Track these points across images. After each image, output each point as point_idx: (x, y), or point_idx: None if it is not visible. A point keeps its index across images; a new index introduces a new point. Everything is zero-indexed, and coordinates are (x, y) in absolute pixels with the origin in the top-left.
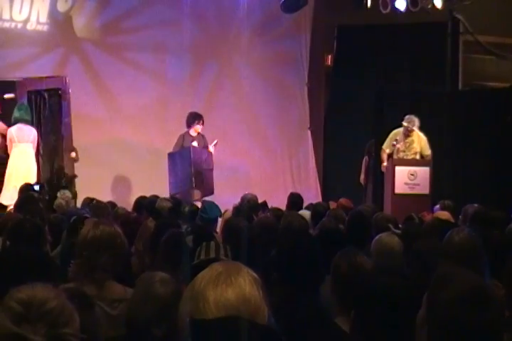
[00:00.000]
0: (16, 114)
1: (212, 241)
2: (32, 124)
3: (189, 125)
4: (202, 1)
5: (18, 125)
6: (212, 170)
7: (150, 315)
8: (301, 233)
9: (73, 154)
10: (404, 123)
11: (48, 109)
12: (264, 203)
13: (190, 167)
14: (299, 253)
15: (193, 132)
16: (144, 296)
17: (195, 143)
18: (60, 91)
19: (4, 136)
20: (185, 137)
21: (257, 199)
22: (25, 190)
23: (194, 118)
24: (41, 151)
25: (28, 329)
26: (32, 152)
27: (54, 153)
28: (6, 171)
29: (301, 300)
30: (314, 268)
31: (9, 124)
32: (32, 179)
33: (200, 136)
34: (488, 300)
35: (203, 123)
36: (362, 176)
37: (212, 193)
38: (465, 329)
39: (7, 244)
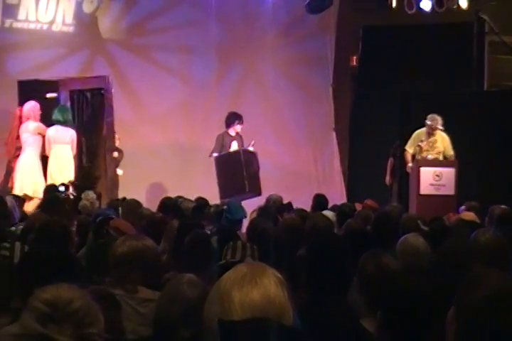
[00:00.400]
0: (54, 115)
1: (238, 242)
2: (73, 124)
3: (229, 125)
4: (227, 1)
5: (55, 126)
6: (258, 170)
7: (177, 316)
8: (328, 234)
9: (115, 154)
10: (428, 122)
11: (91, 109)
12: (289, 204)
13: (242, 170)
14: (327, 254)
15: (232, 132)
16: (172, 297)
17: (234, 144)
18: (102, 91)
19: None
20: (224, 137)
21: (282, 200)
22: (50, 190)
23: (234, 117)
24: (84, 150)
25: (54, 329)
26: (68, 153)
27: (96, 152)
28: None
29: (328, 301)
30: (342, 269)
31: (50, 124)
32: (67, 179)
33: (239, 136)
34: None
35: (242, 123)
36: (387, 177)
37: (260, 195)
38: (494, 329)
39: (34, 244)
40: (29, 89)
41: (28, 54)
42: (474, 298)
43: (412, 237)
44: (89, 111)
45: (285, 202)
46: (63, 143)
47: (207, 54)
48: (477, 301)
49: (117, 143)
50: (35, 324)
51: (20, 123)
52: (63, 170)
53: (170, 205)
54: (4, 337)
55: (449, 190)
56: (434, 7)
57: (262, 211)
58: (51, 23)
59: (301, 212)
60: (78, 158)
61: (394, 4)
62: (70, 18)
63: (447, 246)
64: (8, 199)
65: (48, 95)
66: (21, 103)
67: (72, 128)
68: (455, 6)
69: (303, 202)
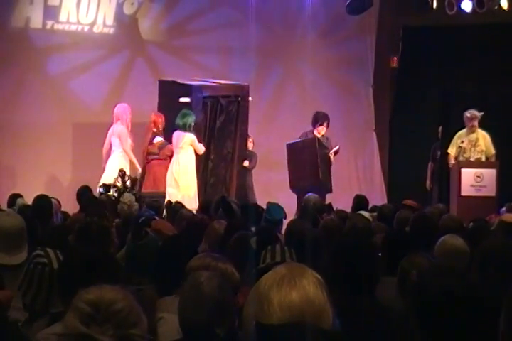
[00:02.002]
0: (176, 120)
1: (277, 245)
2: (205, 130)
3: (313, 125)
4: (267, 2)
5: (176, 131)
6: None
7: (205, 316)
8: (357, 234)
9: (246, 163)
10: (467, 114)
11: (225, 116)
12: (329, 205)
13: (317, 158)
14: (354, 254)
15: (316, 133)
16: (195, 299)
17: None
18: (239, 99)
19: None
20: (308, 135)
21: (321, 200)
22: (82, 192)
23: (317, 119)
24: (211, 156)
25: (97, 329)
26: (180, 157)
27: (226, 159)
28: None
29: (354, 301)
30: (369, 269)
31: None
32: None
33: (325, 138)
34: None
35: (326, 126)
36: (427, 182)
37: (330, 191)
38: None
39: (74, 244)
40: (167, 91)
41: (69, 55)
42: None
43: (451, 238)
44: (222, 118)
45: (326, 203)
46: (178, 147)
47: (246, 55)
48: None
49: (251, 147)
50: (78, 324)
51: (153, 127)
52: (180, 174)
53: (214, 205)
54: (48, 336)
55: (490, 191)
56: (474, 8)
57: (301, 212)
58: (92, 24)
59: (341, 213)
60: (204, 162)
61: (434, 5)
62: (110, 20)
63: (490, 247)
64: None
65: (182, 99)
66: (160, 104)
67: (190, 132)
68: (496, 7)
69: (343, 203)
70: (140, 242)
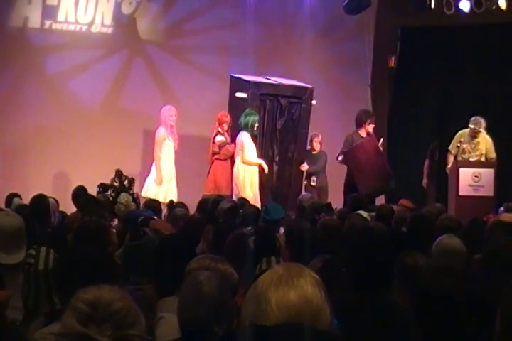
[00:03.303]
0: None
1: (273, 257)
2: (263, 129)
3: (359, 125)
4: (265, 2)
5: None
6: None
7: (204, 316)
8: (366, 233)
9: (305, 166)
10: (471, 126)
11: (287, 118)
12: (329, 205)
13: (380, 156)
14: (366, 252)
15: (363, 132)
16: (194, 298)
17: None
18: (301, 101)
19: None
20: (354, 138)
21: (318, 200)
22: (78, 193)
23: (365, 116)
24: (276, 159)
25: (94, 329)
26: (238, 158)
27: (291, 163)
28: None
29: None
30: (381, 267)
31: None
32: (242, 186)
33: (371, 137)
34: None
35: (373, 123)
36: (425, 180)
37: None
38: None
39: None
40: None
41: (67, 55)
42: None
43: (448, 238)
44: (284, 120)
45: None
46: (237, 148)
47: (245, 55)
48: None
49: (318, 148)
50: (76, 324)
51: (218, 126)
52: (240, 175)
53: (208, 205)
54: (45, 336)
55: (488, 191)
56: (472, 8)
57: (298, 212)
58: (90, 24)
59: (341, 213)
60: (269, 164)
61: (433, 5)
62: (108, 20)
63: (491, 246)
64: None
65: (238, 94)
66: (230, 99)
67: (248, 132)
68: (494, 7)
69: (341, 203)
70: (138, 242)
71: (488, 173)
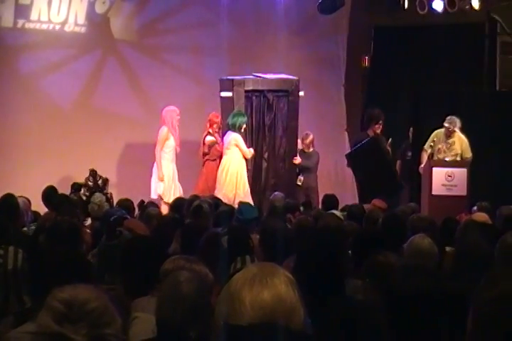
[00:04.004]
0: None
1: (247, 255)
2: (252, 127)
3: (366, 127)
4: (239, 1)
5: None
6: None
7: (182, 317)
8: (321, 233)
9: (297, 159)
10: (446, 124)
11: (275, 112)
12: (308, 203)
13: (385, 157)
14: (318, 253)
15: (371, 133)
16: (173, 298)
17: None
18: (288, 94)
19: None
20: (362, 138)
21: (288, 199)
22: (49, 192)
23: (371, 119)
24: (265, 155)
25: (70, 328)
26: (226, 158)
27: (285, 160)
28: None
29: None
30: (335, 268)
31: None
32: (231, 185)
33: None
34: None
35: (380, 124)
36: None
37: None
38: (504, 330)
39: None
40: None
41: (41, 54)
42: (487, 298)
43: (419, 238)
44: (272, 115)
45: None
46: (225, 148)
47: (219, 54)
48: (493, 300)
49: (310, 147)
50: (52, 322)
51: (209, 127)
52: (226, 175)
53: (183, 205)
54: (20, 335)
55: (461, 190)
56: (446, 7)
57: (269, 211)
58: (63, 23)
59: (316, 212)
60: (257, 161)
61: (406, 5)
62: (82, 19)
63: (463, 246)
64: (20, 200)
65: (222, 94)
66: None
67: (237, 133)
68: (467, 7)
69: (315, 202)
70: (113, 242)
71: (461, 173)
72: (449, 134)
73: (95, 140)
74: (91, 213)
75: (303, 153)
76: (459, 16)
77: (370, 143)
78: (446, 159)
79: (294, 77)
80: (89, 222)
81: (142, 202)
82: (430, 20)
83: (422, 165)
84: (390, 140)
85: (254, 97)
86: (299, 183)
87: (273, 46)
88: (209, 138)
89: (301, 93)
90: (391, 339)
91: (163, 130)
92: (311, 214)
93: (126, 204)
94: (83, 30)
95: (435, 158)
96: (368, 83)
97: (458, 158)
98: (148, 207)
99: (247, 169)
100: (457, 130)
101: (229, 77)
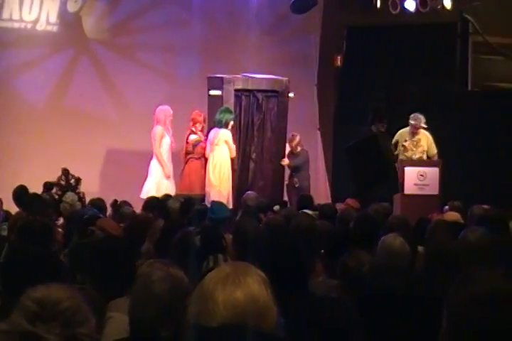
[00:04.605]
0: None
1: (220, 254)
2: (240, 126)
3: (371, 123)
4: (212, 1)
5: (214, 128)
6: None
7: (154, 317)
8: (281, 232)
9: (285, 161)
10: (411, 122)
11: (265, 113)
12: (285, 203)
13: (382, 154)
14: (279, 252)
15: (375, 129)
16: (145, 298)
17: None
18: (277, 94)
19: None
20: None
21: (262, 199)
22: (20, 192)
23: (375, 116)
24: (253, 155)
25: (42, 328)
26: (214, 154)
27: (272, 161)
28: None
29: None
30: (295, 266)
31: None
32: (219, 183)
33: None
34: (507, 301)
35: (381, 121)
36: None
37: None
38: (482, 329)
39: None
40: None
41: (12, 53)
42: (464, 298)
43: (390, 237)
44: (262, 116)
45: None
46: (213, 144)
47: (191, 53)
48: (467, 300)
49: (298, 148)
50: (24, 321)
51: (192, 125)
52: (214, 173)
53: (155, 205)
54: None
55: (433, 189)
56: (418, 7)
57: (243, 211)
58: (35, 22)
59: (287, 211)
60: (245, 160)
61: (378, 4)
62: (54, 18)
63: (434, 245)
64: None
65: (212, 92)
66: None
67: (227, 129)
68: (439, 6)
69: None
70: (84, 241)
71: (433, 172)
72: (415, 131)
73: (68, 139)
74: (63, 212)
75: (291, 154)
76: (431, 16)
77: (368, 139)
78: (414, 157)
79: (285, 78)
80: (61, 221)
81: (115, 201)
82: (402, 20)
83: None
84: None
85: (243, 97)
86: (296, 185)
87: (246, 45)
88: (193, 137)
89: (291, 94)
90: (363, 337)
91: (158, 129)
92: (281, 214)
93: (98, 203)
94: (55, 29)
95: (402, 156)
96: (341, 82)
97: (424, 155)
98: (122, 207)
99: (234, 169)
100: (423, 125)
101: (218, 75)
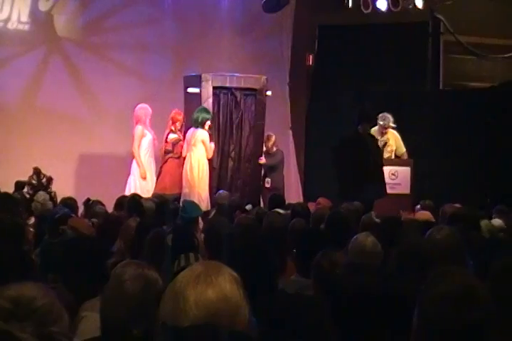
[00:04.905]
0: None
1: (191, 253)
2: (219, 124)
3: (358, 123)
4: (184, 0)
5: (191, 128)
6: None
7: (127, 316)
8: (250, 231)
9: (262, 159)
10: (380, 122)
11: (243, 111)
12: (257, 202)
13: (368, 155)
14: (247, 252)
15: (361, 130)
16: (117, 297)
17: None
18: (255, 92)
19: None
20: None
21: (234, 198)
22: None
23: (360, 117)
24: (232, 154)
25: (16, 326)
26: (192, 155)
27: (250, 160)
28: None
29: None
30: (264, 265)
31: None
32: (197, 184)
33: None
34: (479, 299)
35: (372, 122)
36: None
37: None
38: (452, 327)
39: None
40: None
41: None
42: (435, 296)
43: (362, 236)
44: (240, 114)
45: (242, 201)
46: (190, 144)
47: (163, 52)
48: (436, 299)
49: (274, 149)
50: None
51: (171, 124)
52: (192, 173)
53: (128, 203)
54: None
55: (405, 188)
56: (389, 7)
57: (217, 210)
58: (6, 21)
59: (258, 210)
60: (223, 159)
61: (350, 4)
62: (25, 16)
63: (404, 245)
64: None
65: (190, 90)
66: (185, 97)
67: (203, 129)
68: (411, 6)
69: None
70: (56, 240)
71: (404, 171)
72: (384, 131)
73: (39, 138)
74: (34, 212)
75: (267, 154)
76: (402, 15)
77: (355, 139)
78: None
79: (263, 76)
80: (32, 220)
81: (88, 200)
82: (374, 19)
83: None
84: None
85: (221, 94)
86: (267, 185)
87: (217, 44)
88: (172, 136)
89: (269, 92)
90: (335, 337)
91: (138, 128)
92: (253, 213)
93: (69, 202)
94: (26, 27)
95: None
96: (313, 81)
97: (393, 155)
98: (94, 206)
99: (212, 168)
100: (392, 124)
101: (194, 74)
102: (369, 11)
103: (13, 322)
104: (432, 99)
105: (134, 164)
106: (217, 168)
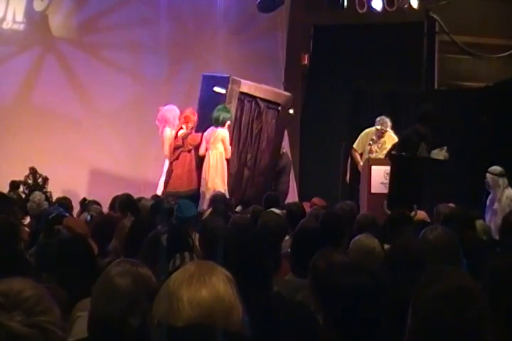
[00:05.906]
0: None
1: (186, 253)
2: (239, 131)
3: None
4: (179, 0)
5: (211, 127)
6: None
7: (120, 311)
8: (244, 230)
9: None
10: (378, 127)
11: (263, 121)
12: (248, 202)
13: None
14: (242, 251)
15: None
16: (108, 294)
17: None
18: (279, 107)
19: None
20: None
21: (230, 198)
22: None
23: (420, 118)
24: (248, 164)
25: (5, 316)
26: (210, 154)
27: (263, 174)
28: None
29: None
30: (258, 264)
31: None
32: (213, 185)
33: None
34: (473, 299)
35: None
36: (347, 176)
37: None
38: (447, 326)
39: None
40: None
41: None
42: (429, 296)
43: (365, 238)
44: (260, 126)
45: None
46: (209, 143)
47: (158, 52)
48: (430, 298)
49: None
50: None
51: (184, 122)
52: (209, 173)
53: (123, 203)
54: None
55: None
56: (385, 6)
57: (213, 209)
58: (1, 21)
59: (254, 210)
60: (240, 167)
61: (345, 3)
62: (20, 16)
63: (398, 245)
64: None
65: (216, 89)
66: (201, 97)
67: (224, 128)
68: (406, 6)
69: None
70: (51, 240)
71: None
72: (381, 135)
73: (34, 137)
74: (30, 211)
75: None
76: (397, 15)
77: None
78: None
79: (288, 93)
80: (27, 220)
81: (84, 199)
82: (369, 19)
83: (361, 164)
84: (446, 147)
85: (246, 101)
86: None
87: (213, 44)
88: (182, 131)
89: (291, 111)
90: (330, 338)
91: (167, 131)
92: (249, 213)
93: (64, 202)
94: (22, 27)
95: (366, 156)
96: (308, 81)
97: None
98: (90, 205)
99: (230, 173)
100: (389, 130)
101: (224, 75)
102: (364, 10)
103: (2, 313)
104: (427, 99)
105: (166, 165)
106: (233, 176)
